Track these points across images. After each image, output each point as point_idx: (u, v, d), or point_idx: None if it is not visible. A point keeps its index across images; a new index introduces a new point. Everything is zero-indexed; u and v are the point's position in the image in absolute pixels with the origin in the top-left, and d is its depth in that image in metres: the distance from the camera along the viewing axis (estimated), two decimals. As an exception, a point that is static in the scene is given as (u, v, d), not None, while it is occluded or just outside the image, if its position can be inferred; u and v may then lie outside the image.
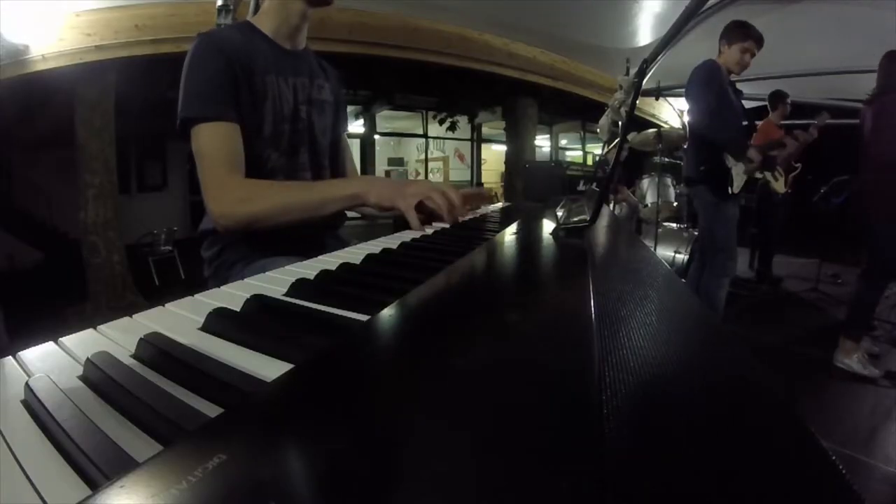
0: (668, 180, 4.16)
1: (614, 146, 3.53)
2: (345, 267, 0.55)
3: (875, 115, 2.47)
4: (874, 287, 2.49)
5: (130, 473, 0.16)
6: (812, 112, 4.66)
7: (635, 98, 1.25)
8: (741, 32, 2.49)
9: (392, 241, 0.75)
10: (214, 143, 0.93)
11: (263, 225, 0.91)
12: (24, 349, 0.32)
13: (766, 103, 4.08)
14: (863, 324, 2.58)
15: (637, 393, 0.23)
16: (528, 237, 0.79)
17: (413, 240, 0.77)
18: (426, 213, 0.95)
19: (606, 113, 3.27)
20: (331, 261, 0.60)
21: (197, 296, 0.47)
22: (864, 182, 2.58)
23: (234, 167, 0.93)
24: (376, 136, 9.96)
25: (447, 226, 0.93)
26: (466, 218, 0.94)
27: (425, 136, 10.66)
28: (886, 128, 2.40)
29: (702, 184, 2.54)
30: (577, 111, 8.95)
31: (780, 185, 4.03)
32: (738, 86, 2.69)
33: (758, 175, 2.65)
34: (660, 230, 3.61)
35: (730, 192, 2.49)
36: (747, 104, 2.85)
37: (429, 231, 0.87)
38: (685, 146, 3.04)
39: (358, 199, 0.91)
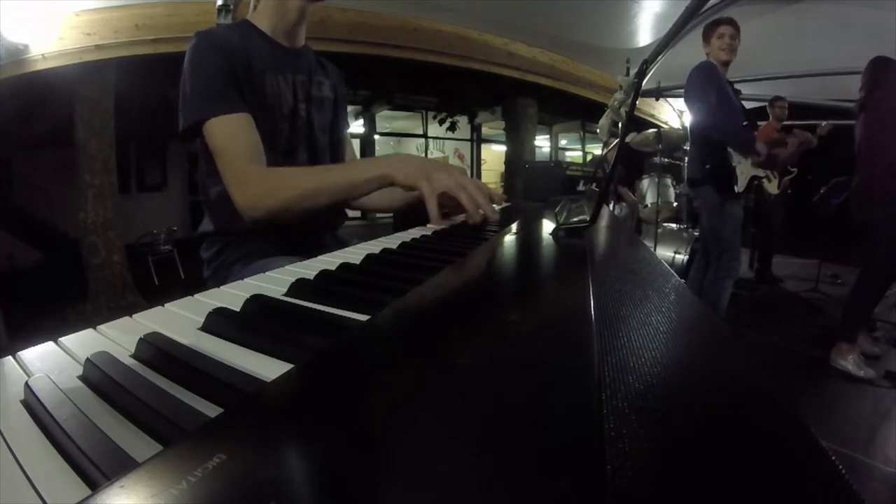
0: (668, 180, 4.16)
1: (614, 146, 3.54)
2: (345, 267, 0.55)
3: (867, 118, 2.48)
4: (870, 289, 2.50)
5: (130, 473, 0.16)
6: (812, 112, 4.67)
7: (635, 98, 1.25)
8: (712, 25, 2.56)
9: (392, 241, 0.75)
10: (231, 135, 0.91)
11: (292, 213, 0.88)
12: (24, 349, 0.32)
13: (766, 105, 4.10)
14: (858, 325, 2.58)
15: (637, 393, 0.23)
16: (528, 237, 0.79)
17: (413, 239, 0.77)
18: (449, 207, 0.90)
19: (606, 113, 3.28)
20: (330, 261, 0.60)
21: (196, 296, 0.47)
22: (860, 184, 2.59)
23: (254, 157, 0.92)
24: (376, 136, 9.97)
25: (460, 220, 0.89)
26: (495, 217, 0.87)
27: (425, 136, 10.67)
28: (879, 130, 2.41)
29: (706, 184, 2.54)
30: (577, 111, 8.97)
31: (773, 187, 4.05)
32: (737, 86, 2.70)
33: (760, 173, 2.66)
34: (659, 230, 3.61)
35: (735, 191, 2.51)
36: (747, 105, 2.85)
37: (428, 232, 0.87)
38: (686, 147, 3.04)
39: (387, 178, 0.87)
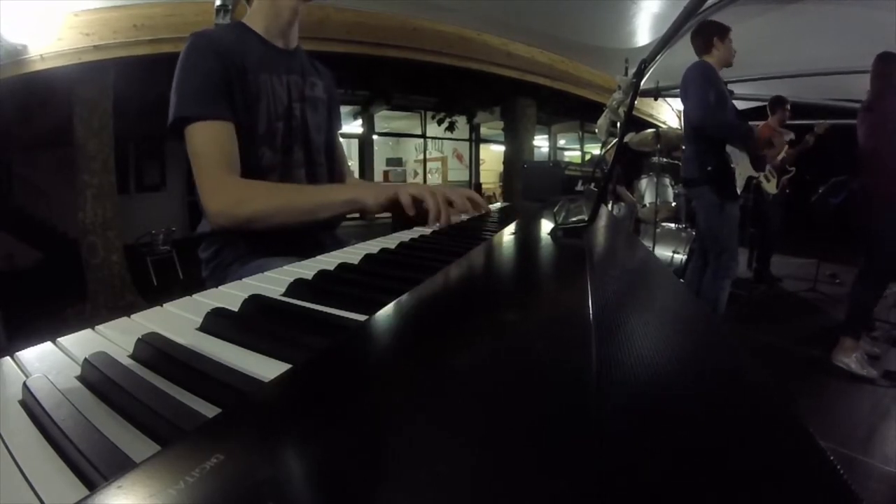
0: (667, 180, 4.17)
1: (613, 146, 3.55)
2: (343, 267, 0.55)
3: (874, 117, 2.47)
4: (875, 286, 2.50)
5: (128, 474, 0.16)
6: (811, 112, 4.67)
7: (633, 98, 1.25)
8: (721, 27, 2.56)
9: (390, 241, 0.75)
10: (209, 142, 0.93)
11: (259, 226, 0.91)
12: (23, 349, 0.32)
13: (767, 105, 4.10)
14: (863, 322, 2.57)
15: (635, 393, 0.23)
16: (527, 237, 0.79)
17: (411, 240, 0.77)
18: (419, 213, 0.93)
19: (605, 113, 3.28)
20: (329, 261, 0.60)
21: (195, 296, 0.47)
22: (865, 184, 2.58)
23: (229, 166, 0.94)
24: (374, 136, 9.96)
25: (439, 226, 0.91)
26: (453, 222, 0.92)
27: (423, 136, 10.66)
28: (883, 130, 2.41)
29: (704, 184, 2.54)
30: (576, 111, 8.96)
31: (771, 187, 4.05)
32: (732, 86, 2.71)
33: (755, 174, 2.67)
34: (658, 230, 3.61)
35: (737, 191, 2.51)
36: (746, 104, 2.86)
37: (427, 231, 0.87)
38: (684, 147, 3.05)
39: (356, 203, 0.91)
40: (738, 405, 0.24)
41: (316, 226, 1.10)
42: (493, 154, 11.75)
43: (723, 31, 2.54)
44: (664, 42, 2.74)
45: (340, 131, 1.29)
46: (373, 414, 0.22)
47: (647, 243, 3.46)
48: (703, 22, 2.62)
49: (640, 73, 1.15)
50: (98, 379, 0.27)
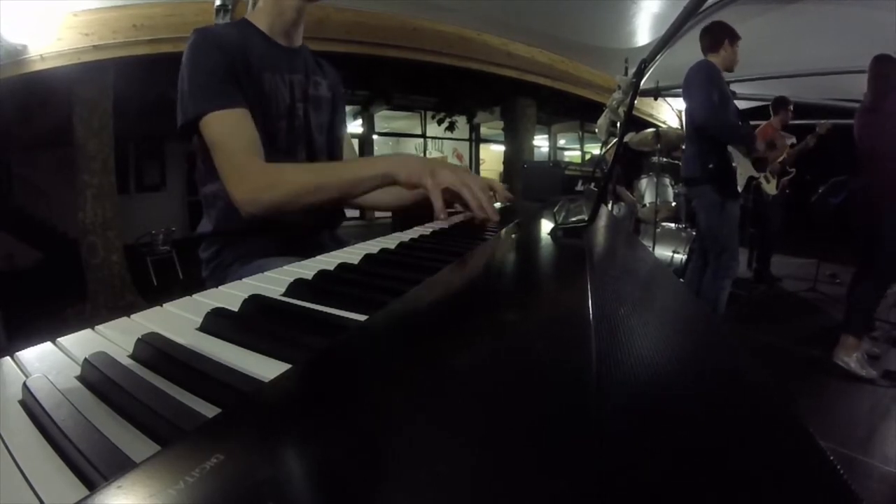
0: (667, 180, 4.17)
1: (612, 146, 3.55)
2: (343, 267, 0.55)
3: (877, 118, 2.46)
4: (876, 286, 2.50)
5: (128, 474, 0.16)
6: (811, 112, 4.67)
7: (633, 98, 1.26)
8: (732, 31, 2.54)
9: (390, 241, 0.75)
10: (229, 130, 0.91)
11: (290, 208, 0.88)
12: (23, 349, 0.32)
13: (769, 105, 4.10)
14: (865, 321, 2.57)
15: (635, 393, 0.23)
16: (527, 237, 0.79)
17: (411, 240, 0.77)
18: (450, 202, 0.89)
19: (605, 113, 3.28)
20: (329, 261, 0.60)
21: (195, 296, 0.46)
22: (865, 184, 2.58)
23: (252, 152, 0.91)
24: (374, 136, 9.97)
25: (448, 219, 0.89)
26: (496, 219, 0.88)
27: (424, 136, 10.66)
28: (881, 131, 2.41)
29: (706, 183, 2.54)
30: (576, 111, 8.97)
31: (771, 187, 4.06)
32: (732, 86, 2.71)
33: (756, 174, 2.67)
34: (658, 230, 3.61)
35: (738, 190, 2.51)
36: (746, 104, 2.86)
37: (427, 232, 0.87)
38: (684, 147, 3.05)
39: (388, 177, 0.87)
40: (738, 405, 0.24)
41: (317, 225, 1.09)
42: (493, 154, 11.76)
43: (734, 36, 2.54)
44: (664, 42, 2.75)
45: (345, 130, 1.27)
46: (373, 414, 0.22)
47: (647, 243, 3.46)
48: (717, 21, 2.61)
49: (640, 73, 1.15)
50: (98, 379, 0.27)
